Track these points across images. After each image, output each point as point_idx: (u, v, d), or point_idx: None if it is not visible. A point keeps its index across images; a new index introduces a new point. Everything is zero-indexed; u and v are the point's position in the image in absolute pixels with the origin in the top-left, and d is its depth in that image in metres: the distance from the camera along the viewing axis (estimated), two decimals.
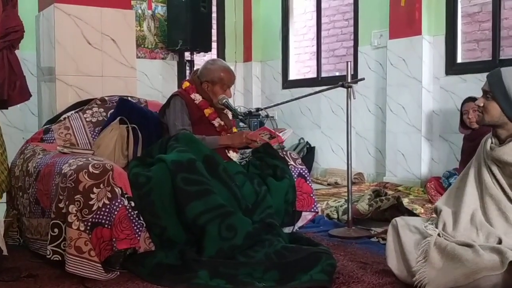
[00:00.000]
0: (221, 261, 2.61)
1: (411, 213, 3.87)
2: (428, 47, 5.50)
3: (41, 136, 3.45)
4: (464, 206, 2.41)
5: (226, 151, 3.36)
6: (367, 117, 6.18)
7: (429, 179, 4.96)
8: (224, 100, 3.42)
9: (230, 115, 3.55)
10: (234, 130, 3.60)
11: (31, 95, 3.75)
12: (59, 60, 3.85)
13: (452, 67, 5.40)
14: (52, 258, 2.60)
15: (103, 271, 2.55)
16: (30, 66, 5.02)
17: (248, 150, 3.50)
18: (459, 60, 5.44)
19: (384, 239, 2.87)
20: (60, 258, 2.58)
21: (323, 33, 7.05)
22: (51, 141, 3.41)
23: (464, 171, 2.57)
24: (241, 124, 3.62)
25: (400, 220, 2.53)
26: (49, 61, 3.96)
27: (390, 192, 4.55)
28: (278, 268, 2.54)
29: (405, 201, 4.50)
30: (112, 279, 2.57)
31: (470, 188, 2.46)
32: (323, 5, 7.03)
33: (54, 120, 3.60)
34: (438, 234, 2.34)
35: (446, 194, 2.61)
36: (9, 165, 3.31)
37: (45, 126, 3.55)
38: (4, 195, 3.29)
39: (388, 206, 3.79)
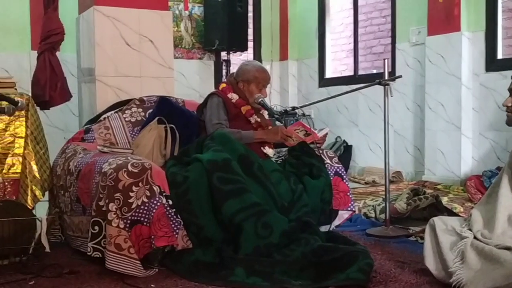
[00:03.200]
0: (258, 259, 2.62)
1: (450, 212, 3.82)
2: (467, 43, 5.40)
3: (81, 135, 3.51)
4: (499, 207, 2.36)
5: (262, 147, 3.37)
6: (405, 115, 6.10)
7: (469, 177, 4.86)
8: (260, 100, 3.44)
9: (266, 115, 3.57)
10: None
11: (71, 96, 3.85)
12: (99, 61, 3.92)
13: (492, 63, 5.28)
14: (92, 255, 2.65)
15: (142, 268, 2.59)
16: (71, 68, 5.12)
17: (285, 149, 3.50)
18: (499, 56, 5.31)
19: (423, 238, 2.84)
20: (101, 255, 2.63)
21: (360, 31, 6.98)
22: (92, 140, 3.47)
23: (500, 174, 2.52)
24: (277, 123, 3.62)
25: (437, 220, 2.50)
26: (89, 62, 4.04)
27: (429, 191, 4.48)
28: (315, 266, 2.54)
29: (444, 200, 4.43)
30: (151, 276, 2.61)
31: (504, 190, 2.41)
32: (360, 2, 6.97)
33: (94, 120, 3.67)
34: (474, 237, 2.30)
35: (482, 198, 2.57)
36: (51, 164, 3.39)
37: (86, 126, 3.62)
38: (47, 193, 3.36)
39: (426, 205, 3.74)
